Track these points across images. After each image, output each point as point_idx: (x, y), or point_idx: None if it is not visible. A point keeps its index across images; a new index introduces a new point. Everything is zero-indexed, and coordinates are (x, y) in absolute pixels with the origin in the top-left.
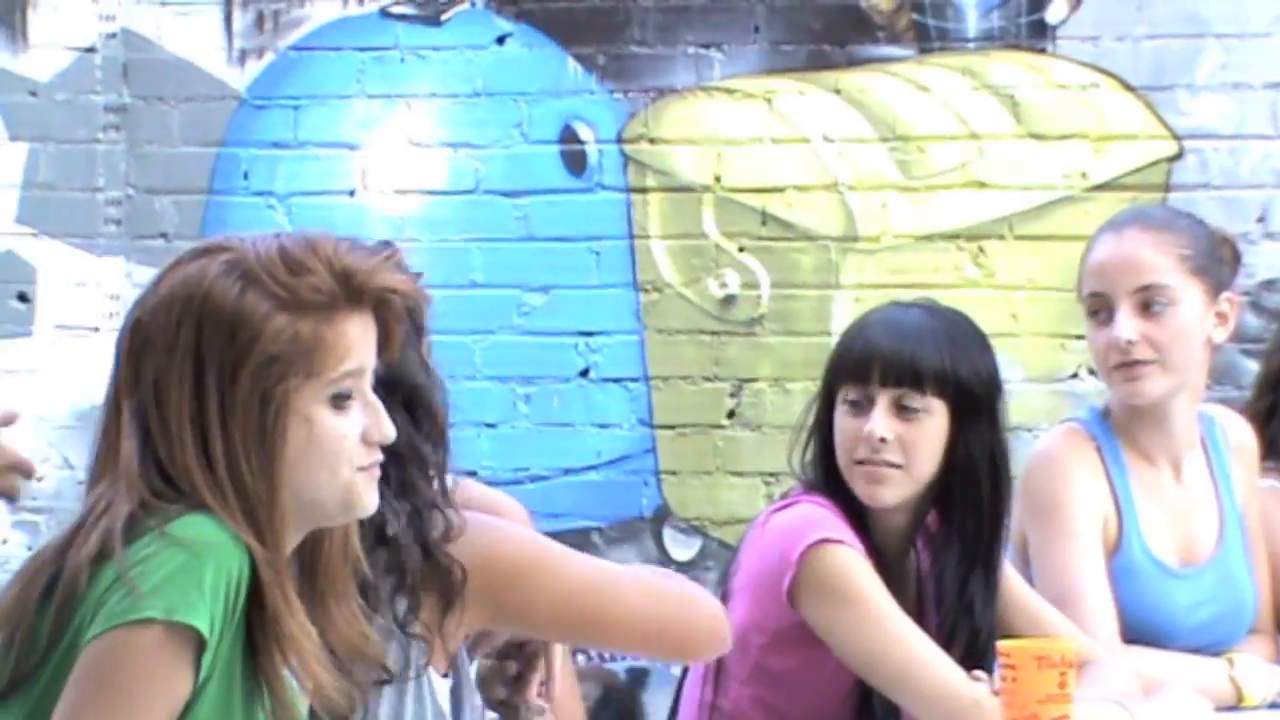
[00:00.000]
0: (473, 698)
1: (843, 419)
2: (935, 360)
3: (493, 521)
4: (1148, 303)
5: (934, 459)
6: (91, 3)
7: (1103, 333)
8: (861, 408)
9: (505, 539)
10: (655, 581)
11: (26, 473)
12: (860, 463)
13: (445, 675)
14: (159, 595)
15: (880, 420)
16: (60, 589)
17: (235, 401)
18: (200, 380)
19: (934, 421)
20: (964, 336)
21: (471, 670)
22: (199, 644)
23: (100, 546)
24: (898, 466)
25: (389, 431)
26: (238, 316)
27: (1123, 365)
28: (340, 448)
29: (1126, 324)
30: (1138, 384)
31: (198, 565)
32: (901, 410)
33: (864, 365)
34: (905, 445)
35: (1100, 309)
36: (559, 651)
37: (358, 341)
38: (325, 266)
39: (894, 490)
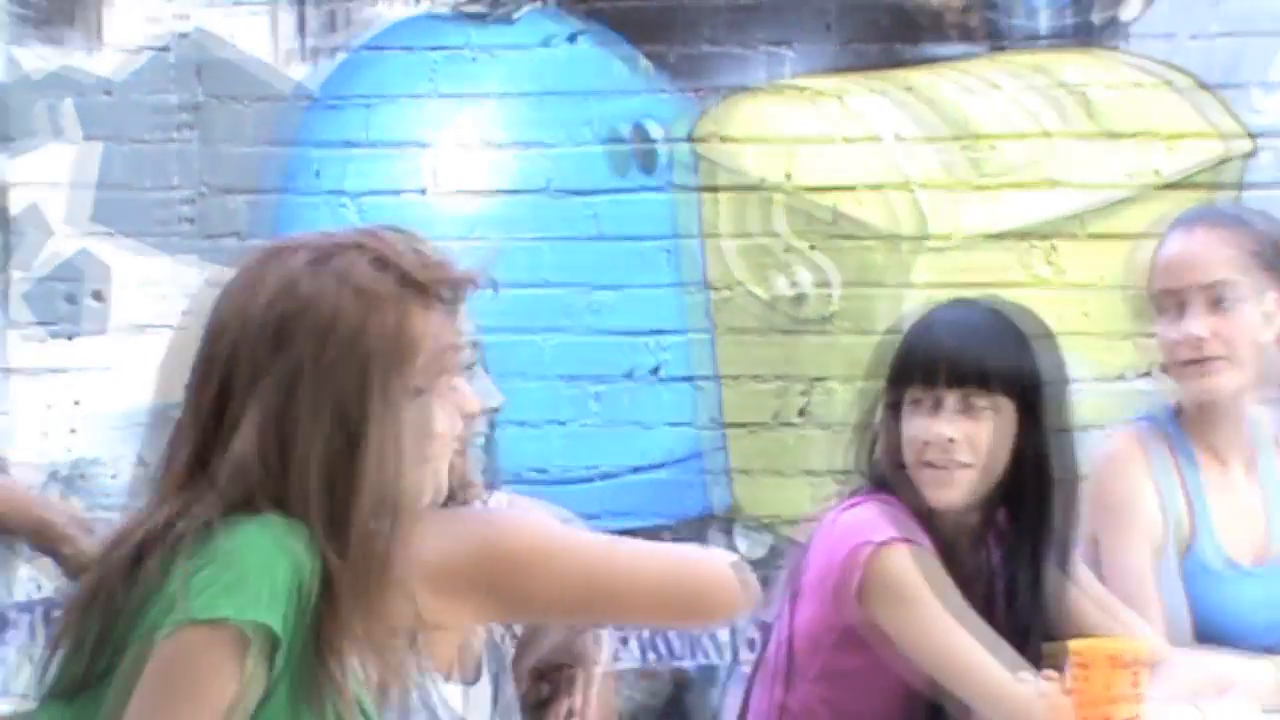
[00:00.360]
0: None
1: (910, 420)
2: (1001, 358)
3: (491, 515)
4: (1218, 299)
5: (1001, 458)
6: (165, 2)
7: (1173, 329)
8: (928, 408)
9: (502, 531)
10: (659, 550)
11: (85, 531)
12: (928, 464)
13: (452, 680)
14: (232, 595)
15: (947, 420)
16: (132, 587)
17: (390, 404)
18: (331, 381)
19: (1002, 419)
20: (1031, 334)
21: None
22: (271, 643)
23: (173, 544)
24: (967, 466)
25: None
26: (396, 315)
27: (1193, 362)
28: (434, 442)
29: (1196, 320)
30: (1208, 380)
31: (271, 565)
32: (968, 409)
33: (930, 365)
34: (973, 445)
35: (1170, 306)
36: (595, 679)
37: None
38: (431, 263)
39: (962, 492)
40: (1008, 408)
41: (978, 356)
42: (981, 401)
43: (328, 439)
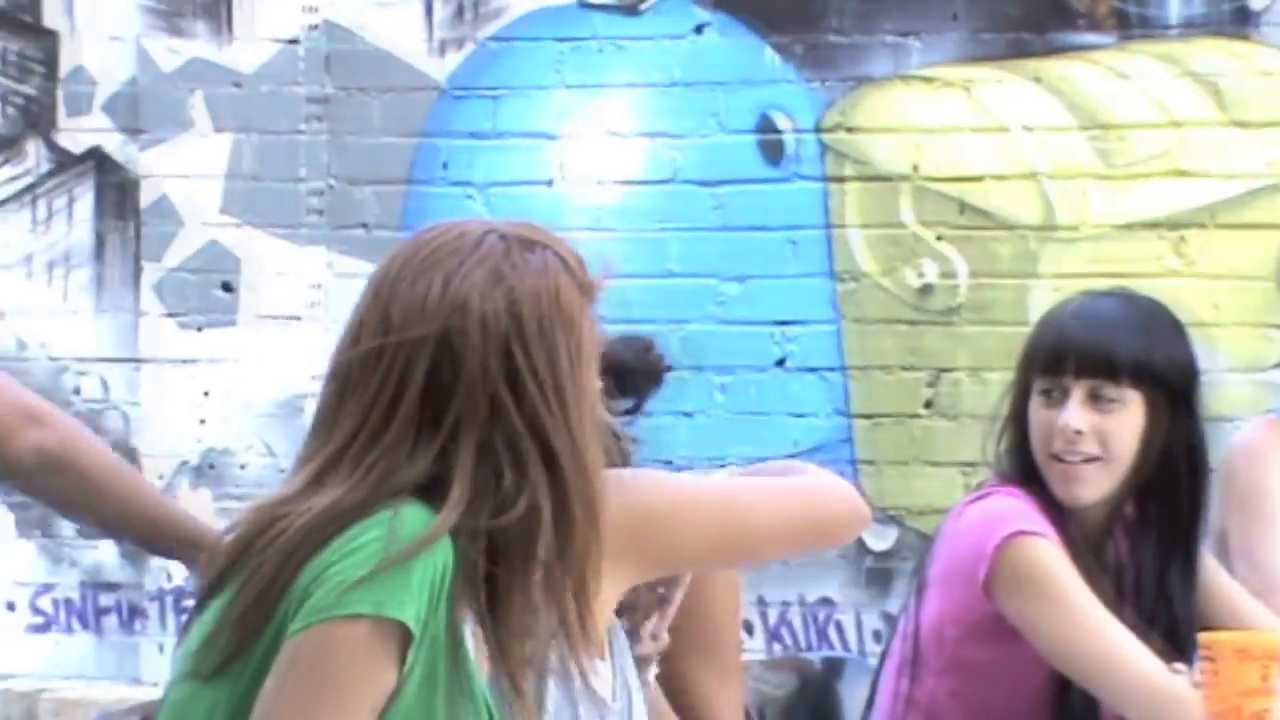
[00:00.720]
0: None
1: (1037, 411)
2: (1131, 350)
3: (618, 478)
4: None
5: (1131, 450)
6: None
7: None
8: (1056, 399)
9: (636, 492)
10: (781, 485)
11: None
12: (1056, 458)
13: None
14: (367, 590)
15: (1075, 412)
16: (275, 575)
17: (585, 402)
18: (535, 375)
19: (1130, 412)
20: (1160, 325)
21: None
22: (405, 638)
23: (316, 535)
24: (1095, 459)
25: None
26: (580, 314)
27: None
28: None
29: None
30: None
31: (409, 559)
32: (1097, 401)
33: (1058, 356)
34: (1101, 437)
35: None
36: (674, 600)
37: None
38: (584, 264)
39: (1092, 488)
40: (1136, 400)
41: (1107, 347)
42: (1110, 393)
43: (544, 424)
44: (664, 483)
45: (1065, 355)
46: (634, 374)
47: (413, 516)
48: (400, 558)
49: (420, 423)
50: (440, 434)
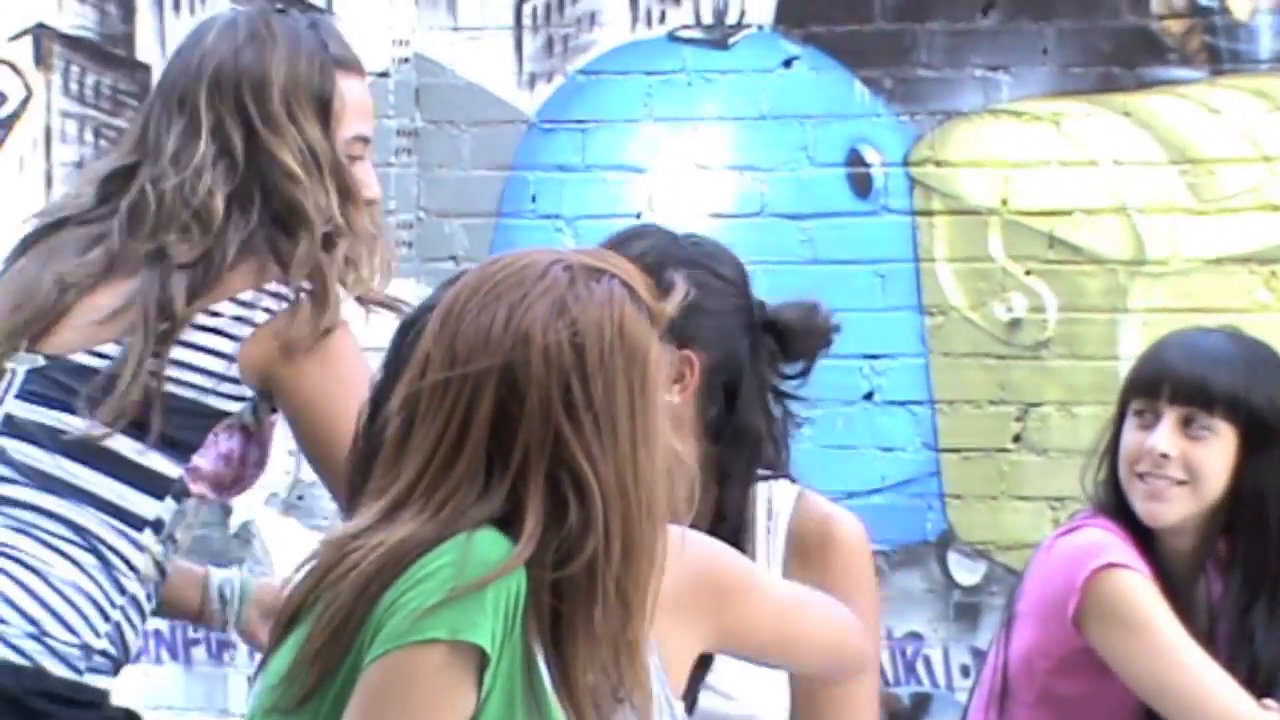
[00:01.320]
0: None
1: (1129, 432)
2: (1228, 384)
3: (705, 539)
4: None
5: (1219, 482)
6: (385, 28)
7: None
8: (1148, 422)
9: (719, 557)
10: (828, 605)
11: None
12: (1140, 477)
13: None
14: (442, 615)
15: (1164, 436)
16: (352, 606)
17: (651, 433)
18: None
19: (1221, 444)
20: (1264, 365)
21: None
22: (482, 661)
23: (393, 564)
24: (1180, 484)
25: None
26: (646, 344)
27: None
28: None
29: None
30: None
31: (483, 584)
32: (1188, 428)
33: (1155, 381)
34: (1189, 464)
35: None
36: None
37: None
38: (655, 295)
39: (1173, 508)
40: (1229, 433)
41: (1204, 376)
42: (1202, 421)
43: (600, 457)
44: (741, 560)
45: (1162, 380)
46: (801, 336)
47: (486, 542)
48: (477, 584)
49: (490, 456)
50: (510, 468)
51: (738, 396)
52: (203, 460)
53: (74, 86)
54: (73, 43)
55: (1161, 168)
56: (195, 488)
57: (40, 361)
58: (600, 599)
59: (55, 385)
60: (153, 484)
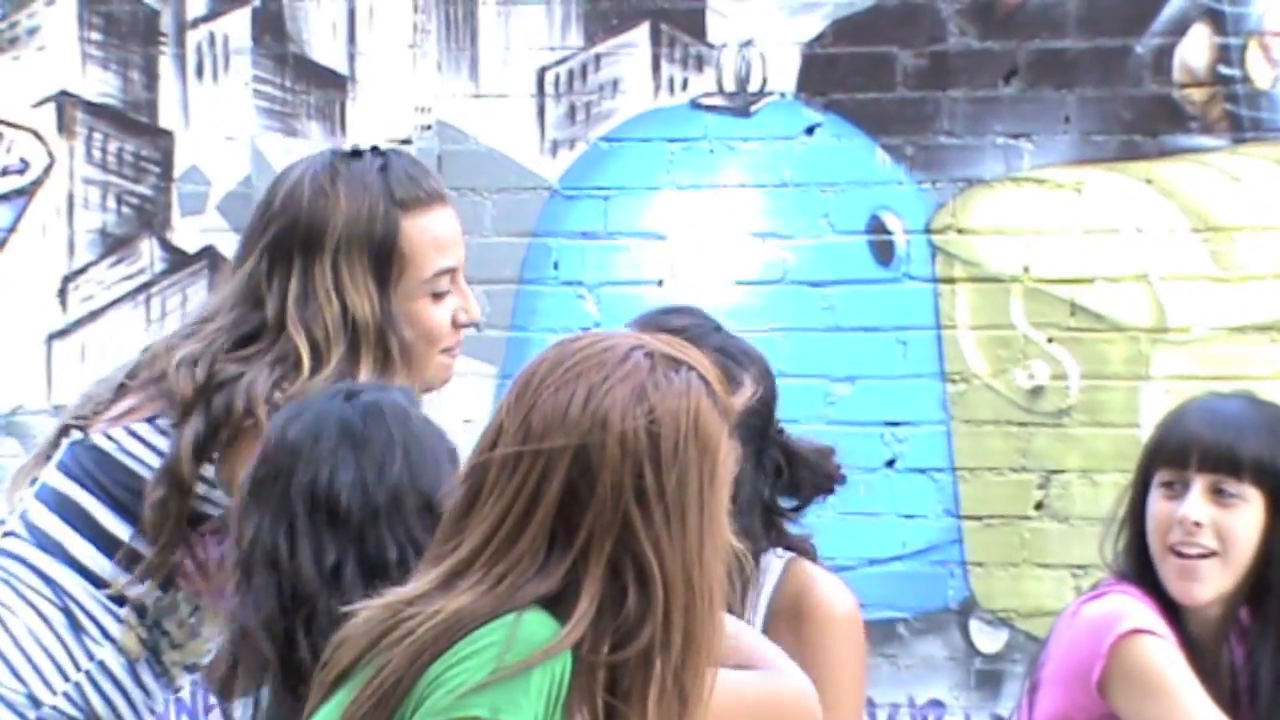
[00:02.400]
0: None
1: (1156, 502)
2: (1255, 449)
3: (776, 677)
4: None
5: (1250, 549)
6: (407, 95)
7: None
8: (1177, 492)
9: (790, 699)
10: (761, 679)
11: None
12: (1175, 552)
13: None
14: (486, 694)
15: (1195, 504)
16: (393, 678)
17: (715, 527)
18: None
19: (1250, 510)
20: None
21: None
22: None
23: (433, 640)
24: (1212, 554)
25: None
26: (719, 438)
27: None
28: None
29: None
30: None
31: (527, 664)
32: (1218, 495)
33: (1182, 450)
34: (1220, 532)
35: None
36: None
37: None
38: (728, 389)
39: (1209, 586)
40: (1257, 499)
41: (1231, 443)
42: (1231, 488)
43: (667, 547)
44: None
45: (1190, 448)
46: (805, 469)
47: (535, 623)
48: (522, 666)
49: (554, 534)
50: (573, 549)
51: (735, 496)
52: (187, 559)
53: (97, 153)
54: (96, 109)
55: (1183, 235)
56: (184, 584)
57: (78, 437)
58: (655, 689)
59: (75, 462)
60: (126, 558)
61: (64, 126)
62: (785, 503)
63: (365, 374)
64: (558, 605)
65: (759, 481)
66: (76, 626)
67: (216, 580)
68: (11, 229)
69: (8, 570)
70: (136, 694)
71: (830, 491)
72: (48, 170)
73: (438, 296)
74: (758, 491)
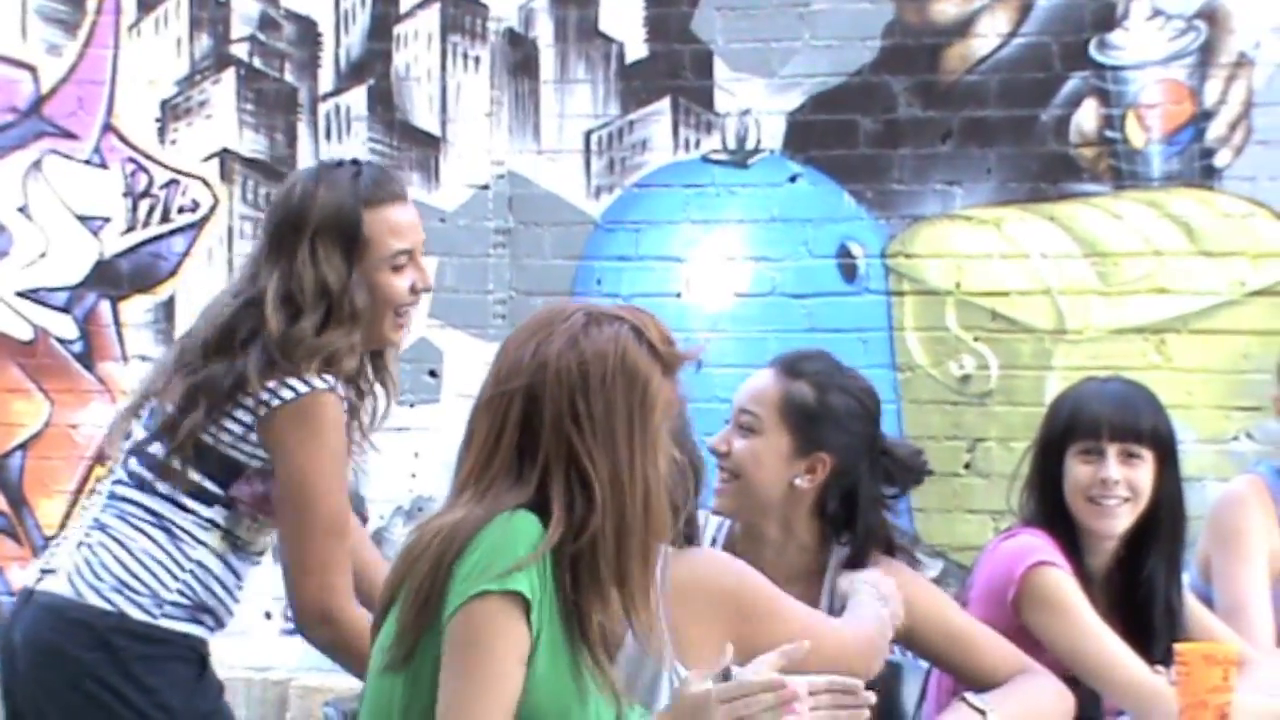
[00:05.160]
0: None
1: (1078, 467)
2: (1150, 420)
3: (731, 559)
4: None
5: (1147, 495)
6: (486, 151)
7: None
8: (1093, 459)
9: (746, 576)
10: (844, 622)
11: None
12: (1093, 501)
13: None
14: (489, 573)
15: (1113, 466)
16: (433, 576)
17: (648, 443)
18: (627, 421)
19: (1148, 466)
20: (1155, 401)
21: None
22: (527, 607)
23: (458, 542)
24: (1125, 500)
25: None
26: (648, 373)
27: None
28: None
29: None
30: None
31: (515, 546)
32: (1127, 458)
33: (1094, 426)
34: (1131, 484)
35: None
36: None
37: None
38: (667, 340)
39: (1122, 522)
40: (1151, 457)
41: (1134, 416)
42: (1136, 451)
43: (600, 460)
44: (763, 587)
45: (1101, 424)
46: (903, 469)
47: (524, 519)
48: (508, 546)
49: (522, 455)
50: (537, 465)
51: (856, 502)
52: (239, 492)
53: (250, 196)
54: (249, 163)
55: (1077, 259)
56: (243, 506)
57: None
58: (600, 563)
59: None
60: (204, 495)
61: (225, 175)
62: (885, 490)
63: (335, 327)
64: (537, 510)
65: (874, 483)
66: (174, 538)
67: (264, 505)
68: (185, 253)
69: (120, 509)
70: (229, 578)
71: (920, 483)
72: (213, 209)
73: (397, 270)
74: (874, 493)
